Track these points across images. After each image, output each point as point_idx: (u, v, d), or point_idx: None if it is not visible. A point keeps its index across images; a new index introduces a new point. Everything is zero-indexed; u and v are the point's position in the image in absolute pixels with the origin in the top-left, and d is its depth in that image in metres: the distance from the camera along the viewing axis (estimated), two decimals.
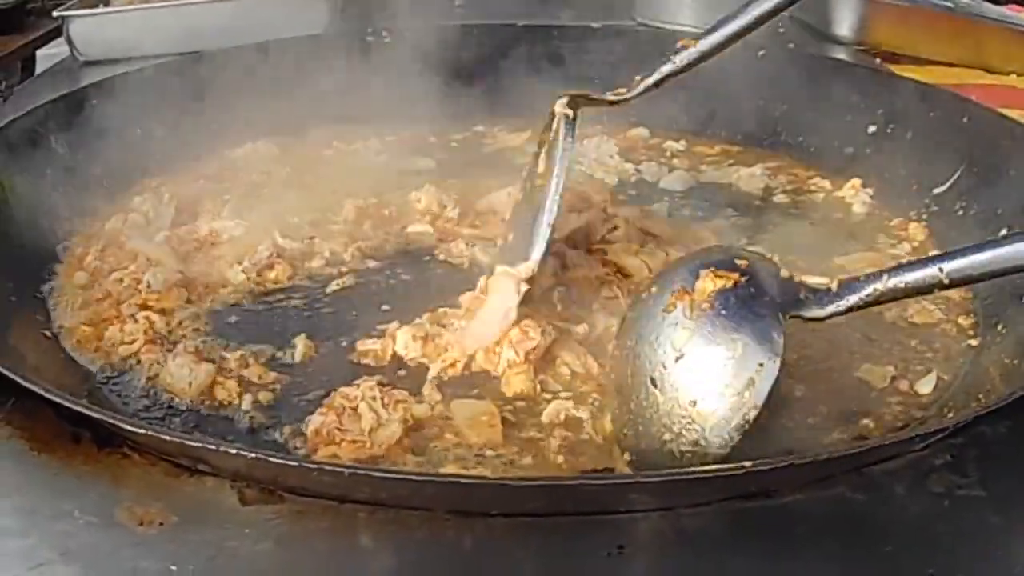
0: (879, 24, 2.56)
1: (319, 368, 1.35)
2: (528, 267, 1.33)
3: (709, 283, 1.11)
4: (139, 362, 1.35)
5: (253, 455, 1.00)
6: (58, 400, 1.09)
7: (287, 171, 1.89)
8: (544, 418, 1.24)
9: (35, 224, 1.57)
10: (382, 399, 1.19)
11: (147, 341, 1.37)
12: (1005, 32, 2.53)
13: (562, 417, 1.24)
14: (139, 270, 1.52)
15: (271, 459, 1.00)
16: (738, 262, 1.14)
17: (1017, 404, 1.12)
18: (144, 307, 1.45)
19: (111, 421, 1.07)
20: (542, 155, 1.41)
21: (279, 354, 1.37)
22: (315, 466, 1.02)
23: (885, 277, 1.12)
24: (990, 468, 1.11)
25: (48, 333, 1.40)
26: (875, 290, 1.12)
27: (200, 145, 1.89)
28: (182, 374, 1.29)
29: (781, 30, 2.70)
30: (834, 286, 1.13)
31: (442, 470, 1.14)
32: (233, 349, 1.37)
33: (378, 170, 1.92)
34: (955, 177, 1.73)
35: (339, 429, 1.17)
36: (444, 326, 1.38)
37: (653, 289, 1.19)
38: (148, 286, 1.49)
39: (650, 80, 1.50)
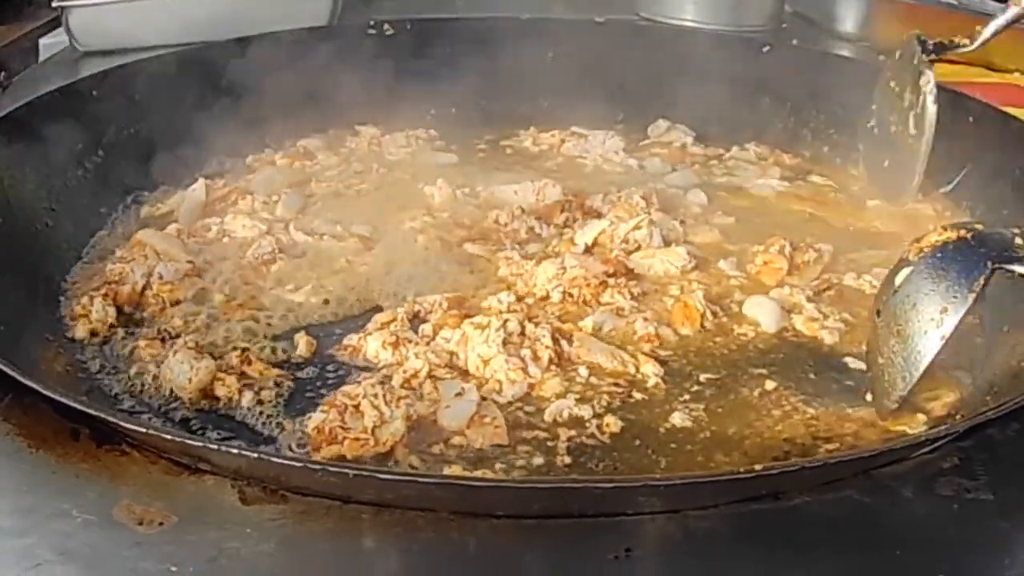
0: (883, 20, 2.55)
1: (322, 364, 1.35)
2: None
3: (936, 235, 1.26)
4: (137, 356, 1.34)
5: (256, 455, 0.99)
6: (55, 397, 1.08)
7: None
8: (547, 416, 1.24)
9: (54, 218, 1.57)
10: (384, 396, 1.18)
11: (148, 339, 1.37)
12: (1008, 30, 2.51)
13: (565, 416, 1.24)
14: (150, 261, 1.52)
15: (274, 459, 0.99)
16: (976, 225, 1.27)
17: None
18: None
19: (111, 420, 1.06)
20: (911, 118, 1.71)
21: (280, 350, 1.37)
22: (319, 467, 1.00)
23: None
24: (998, 471, 1.11)
25: (50, 336, 1.39)
26: None
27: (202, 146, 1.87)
28: (182, 369, 1.27)
29: (784, 26, 2.70)
30: None
31: (446, 471, 1.13)
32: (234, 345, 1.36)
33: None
34: (960, 176, 1.72)
35: (341, 427, 1.16)
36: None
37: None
38: (160, 278, 1.48)
39: (991, 29, 1.74)
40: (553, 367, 1.33)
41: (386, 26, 2.12)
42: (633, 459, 1.18)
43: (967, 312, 1.19)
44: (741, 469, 1.00)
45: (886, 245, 1.66)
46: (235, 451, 1.00)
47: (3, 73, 2.19)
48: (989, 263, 1.20)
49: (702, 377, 1.34)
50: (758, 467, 0.97)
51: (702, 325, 1.44)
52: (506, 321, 1.35)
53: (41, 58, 2.46)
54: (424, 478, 1.05)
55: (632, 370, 1.34)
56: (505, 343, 1.33)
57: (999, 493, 1.08)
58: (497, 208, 1.70)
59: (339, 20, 2.47)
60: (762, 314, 1.47)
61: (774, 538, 1.02)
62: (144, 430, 1.06)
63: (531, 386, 1.29)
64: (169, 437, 1.03)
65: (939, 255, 1.23)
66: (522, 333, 1.35)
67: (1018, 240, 1.24)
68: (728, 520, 1.02)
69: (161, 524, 1.00)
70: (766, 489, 1.04)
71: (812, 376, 1.36)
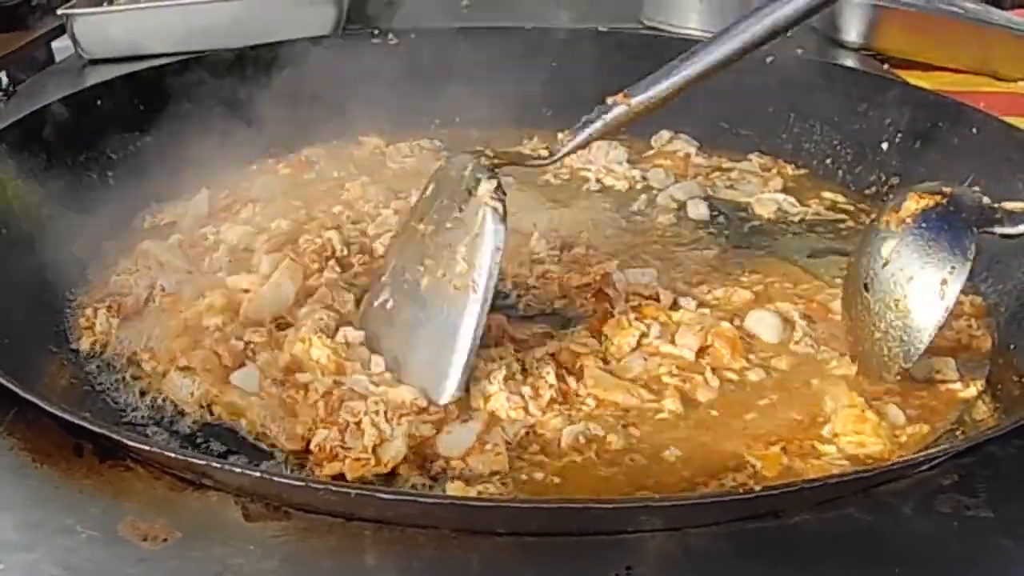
0: (887, 30, 2.55)
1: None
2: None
3: (913, 203, 1.28)
4: (142, 368, 1.35)
5: (258, 474, 0.99)
6: (59, 413, 1.08)
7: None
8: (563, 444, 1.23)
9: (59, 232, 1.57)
10: (386, 413, 1.17)
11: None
12: (1013, 39, 2.52)
13: (581, 440, 1.24)
14: (152, 272, 1.53)
15: (276, 478, 1.00)
16: (944, 188, 1.30)
17: None
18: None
19: (114, 436, 1.06)
20: (461, 248, 1.26)
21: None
22: (321, 487, 1.01)
23: None
24: (999, 489, 1.10)
25: (55, 348, 1.39)
26: None
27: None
28: (183, 383, 1.28)
29: (789, 35, 2.69)
30: None
31: (448, 487, 1.14)
32: None
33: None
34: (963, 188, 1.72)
35: (342, 446, 1.15)
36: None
37: (874, 214, 1.38)
38: (162, 289, 1.49)
39: (576, 140, 1.37)
40: (556, 406, 1.28)
41: (390, 35, 2.13)
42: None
43: (966, 280, 1.22)
44: (740, 489, 1.00)
45: None
46: (238, 470, 1.00)
47: (8, 81, 2.19)
48: (974, 228, 1.24)
49: None
50: (757, 487, 0.98)
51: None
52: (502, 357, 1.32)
53: (44, 66, 2.46)
54: (425, 498, 1.05)
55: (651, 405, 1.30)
56: (506, 379, 1.28)
57: (1000, 510, 1.07)
58: None
59: (344, 29, 2.48)
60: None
61: (774, 556, 1.02)
62: (147, 447, 1.07)
63: (532, 425, 1.25)
64: (172, 455, 1.04)
65: (924, 224, 1.25)
66: (523, 370, 1.32)
67: (985, 199, 1.29)
68: (728, 538, 1.02)
69: (165, 540, 1.00)
70: (766, 508, 1.04)
71: None
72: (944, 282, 1.22)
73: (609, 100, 1.36)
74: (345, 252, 1.59)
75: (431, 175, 1.40)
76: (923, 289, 1.23)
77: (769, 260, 1.68)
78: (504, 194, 1.27)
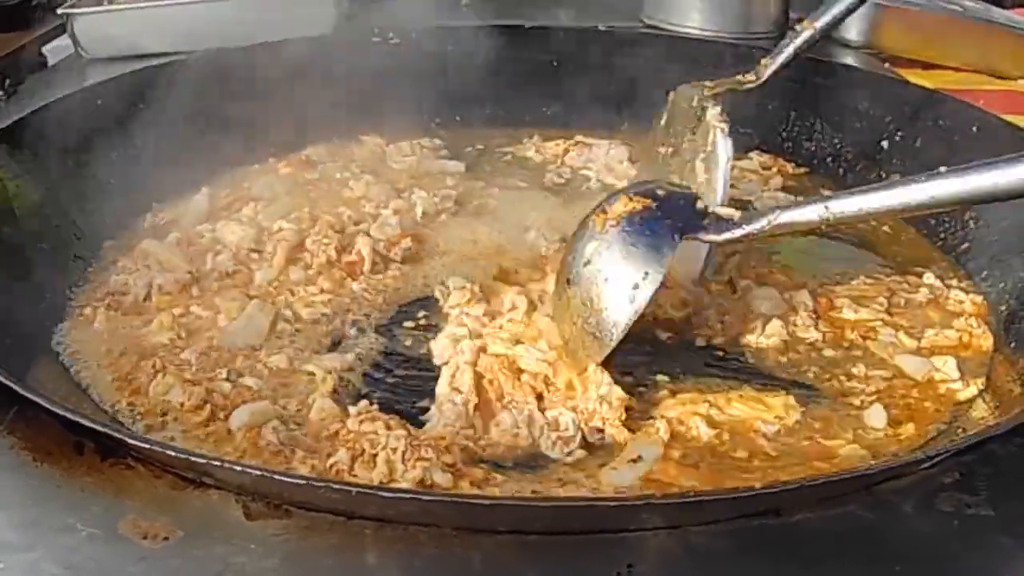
0: (888, 28, 2.55)
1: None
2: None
3: (621, 205, 1.31)
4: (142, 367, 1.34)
5: (259, 472, 1.00)
6: (59, 411, 1.08)
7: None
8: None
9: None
10: (404, 453, 1.15)
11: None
12: (1013, 37, 2.52)
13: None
14: (152, 272, 1.53)
15: (276, 477, 0.99)
16: (658, 191, 1.33)
17: None
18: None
19: (115, 434, 1.06)
20: (698, 162, 1.54)
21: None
22: (322, 484, 1.01)
23: (778, 212, 1.27)
24: (1000, 486, 1.11)
25: (56, 346, 1.39)
26: (768, 222, 1.27)
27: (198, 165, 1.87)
28: (175, 393, 1.28)
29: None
30: (736, 217, 1.30)
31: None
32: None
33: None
34: None
35: (349, 473, 1.14)
36: None
37: (588, 212, 1.37)
38: (160, 289, 1.49)
39: (777, 62, 1.65)
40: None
41: (390, 34, 2.13)
42: None
43: (658, 287, 1.26)
44: (741, 487, 1.00)
45: None
46: (239, 468, 1.00)
47: (8, 80, 2.19)
48: (677, 236, 1.28)
49: None
50: (758, 485, 0.98)
51: None
52: None
53: (44, 66, 2.45)
54: (426, 496, 1.05)
55: None
56: None
57: (1000, 508, 1.07)
58: None
59: (343, 29, 2.47)
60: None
61: (776, 554, 1.02)
62: (148, 445, 1.06)
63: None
64: (173, 453, 1.03)
65: (627, 229, 1.29)
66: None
67: (699, 203, 1.32)
68: (730, 536, 1.02)
69: (166, 539, 1.00)
70: (767, 506, 1.04)
71: None
72: (636, 286, 1.26)
73: (798, 27, 1.64)
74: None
75: (668, 105, 1.68)
76: (617, 292, 1.27)
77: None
78: (728, 114, 1.54)
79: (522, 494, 1.13)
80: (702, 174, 1.53)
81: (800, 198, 1.36)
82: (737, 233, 1.28)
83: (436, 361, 1.37)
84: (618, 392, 1.28)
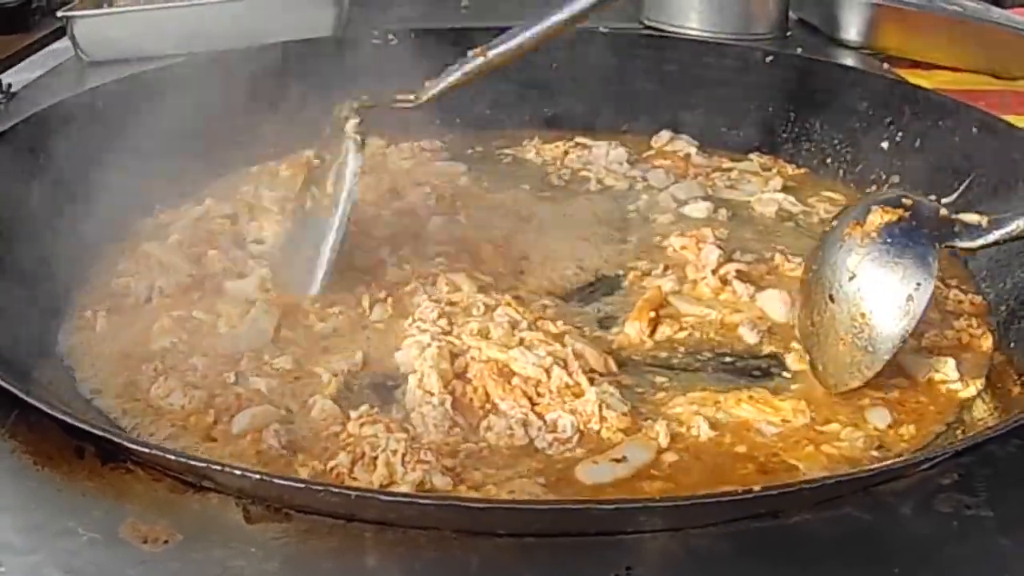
0: (886, 28, 2.56)
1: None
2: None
3: (877, 217, 1.31)
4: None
5: (258, 476, 1.00)
6: (59, 416, 1.08)
7: None
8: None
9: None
10: (404, 455, 1.15)
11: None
12: (1013, 37, 2.52)
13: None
14: (153, 274, 1.53)
15: (276, 480, 1.00)
16: (904, 201, 1.34)
17: None
18: None
19: (116, 439, 1.07)
20: (330, 175, 1.55)
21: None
22: (321, 488, 1.01)
23: None
24: (998, 488, 1.11)
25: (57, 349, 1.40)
26: (1018, 226, 1.28)
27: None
28: (175, 397, 1.28)
29: (789, 34, 2.70)
30: (984, 223, 1.31)
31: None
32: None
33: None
34: (963, 188, 1.73)
35: (349, 475, 1.14)
36: None
37: (834, 223, 1.39)
38: (161, 291, 1.49)
39: (439, 86, 1.57)
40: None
41: (391, 36, 2.13)
42: None
43: (931, 295, 1.27)
44: (740, 489, 1.00)
45: None
46: (238, 472, 1.00)
47: (8, 83, 2.19)
48: (936, 244, 1.29)
49: None
50: (756, 488, 0.98)
51: None
52: None
53: (44, 68, 2.45)
54: (425, 499, 1.05)
55: None
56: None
57: (999, 509, 1.07)
58: None
59: (344, 30, 2.48)
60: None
61: (775, 556, 1.02)
62: (148, 450, 1.07)
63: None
64: (173, 457, 1.04)
65: (889, 240, 1.29)
66: None
67: (943, 212, 1.33)
68: (728, 538, 1.02)
69: (166, 542, 1.00)
70: (766, 508, 1.04)
71: None
72: (910, 298, 1.26)
73: (470, 53, 1.56)
74: None
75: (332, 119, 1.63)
76: (890, 303, 1.27)
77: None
78: (364, 129, 1.55)
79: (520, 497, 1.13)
80: (330, 186, 1.55)
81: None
82: (990, 238, 1.30)
83: (403, 370, 1.35)
84: (618, 394, 1.29)
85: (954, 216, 1.32)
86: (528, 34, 1.55)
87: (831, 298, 1.33)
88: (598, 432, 1.25)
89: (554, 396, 1.28)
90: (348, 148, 1.53)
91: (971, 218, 1.32)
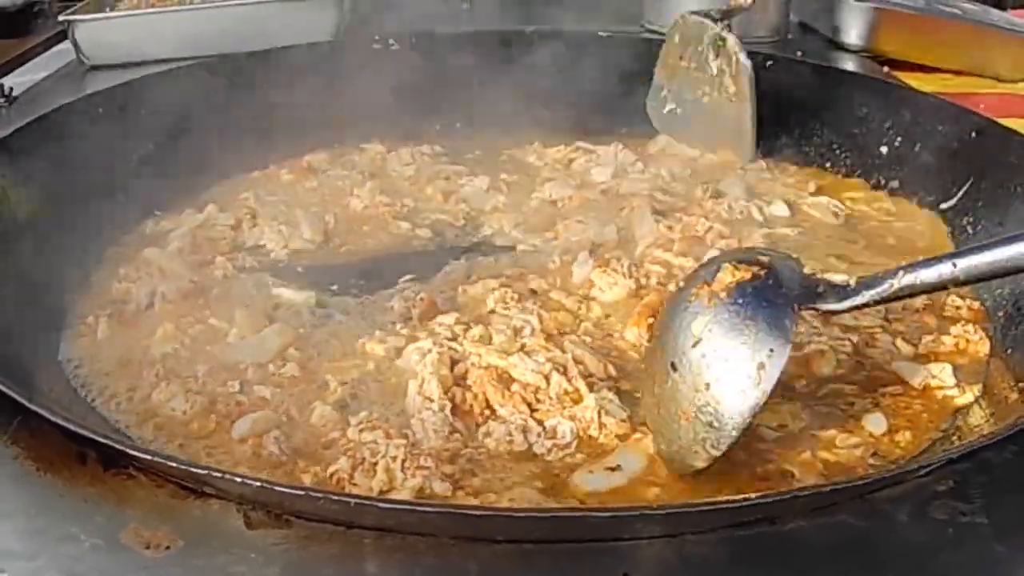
0: (887, 32, 2.57)
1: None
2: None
3: (728, 275, 1.17)
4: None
5: (258, 483, 1.00)
6: (61, 423, 1.09)
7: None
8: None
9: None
10: (404, 461, 1.16)
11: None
12: (1012, 40, 2.53)
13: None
14: (154, 280, 1.53)
15: (276, 488, 1.00)
16: (760, 258, 1.20)
17: None
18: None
19: (117, 446, 1.07)
20: (727, 79, 2.00)
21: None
22: (321, 496, 1.01)
23: (901, 273, 1.16)
24: (994, 495, 1.11)
25: (58, 355, 1.40)
26: (891, 285, 1.16)
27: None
28: (177, 403, 1.28)
29: (790, 36, 2.71)
30: (852, 282, 1.18)
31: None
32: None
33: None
34: (962, 192, 1.73)
35: (350, 481, 1.15)
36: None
37: (682, 284, 1.28)
38: (163, 297, 1.50)
39: None
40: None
41: (391, 41, 2.14)
42: None
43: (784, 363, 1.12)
44: (735, 497, 1.01)
45: None
46: (239, 479, 1.01)
47: (9, 88, 2.19)
48: (795, 306, 1.16)
49: None
50: (752, 495, 0.99)
51: None
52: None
53: (46, 72, 2.46)
54: (424, 507, 1.06)
55: None
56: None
57: (994, 516, 1.08)
58: None
59: (344, 35, 2.48)
60: None
61: (770, 562, 1.02)
62: (149, 456, 1.07)
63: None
64: (174, 463, 1.04)
65: (740, 301, 1.15)
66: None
67: (805, 270, 1.22)
68: (724, 544, 1.03)
69: (168, 548, 1.01)
70: (761, 515, 1.05)
71: None
72: (761, 366, 1.11)
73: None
74: None
75: (672, 28, 2.12)
76: (739, 372, 1.12)
77: None
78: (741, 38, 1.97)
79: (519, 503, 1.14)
80: (731, 86, 1.97)
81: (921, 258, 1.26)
82: (858, 300, 1.17)
83: (406, 376, 1.34)
84: (617, 400, 1.29)
85: (818, 276, 1.23)
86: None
87: (673, 367, 1.17)
88: (597, 438, 1.25)
89: (553, 402, 1.28)
90: (741, 59, 1.97)
91: (838, 278, 1.20)
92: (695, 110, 2.08)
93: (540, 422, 1.26)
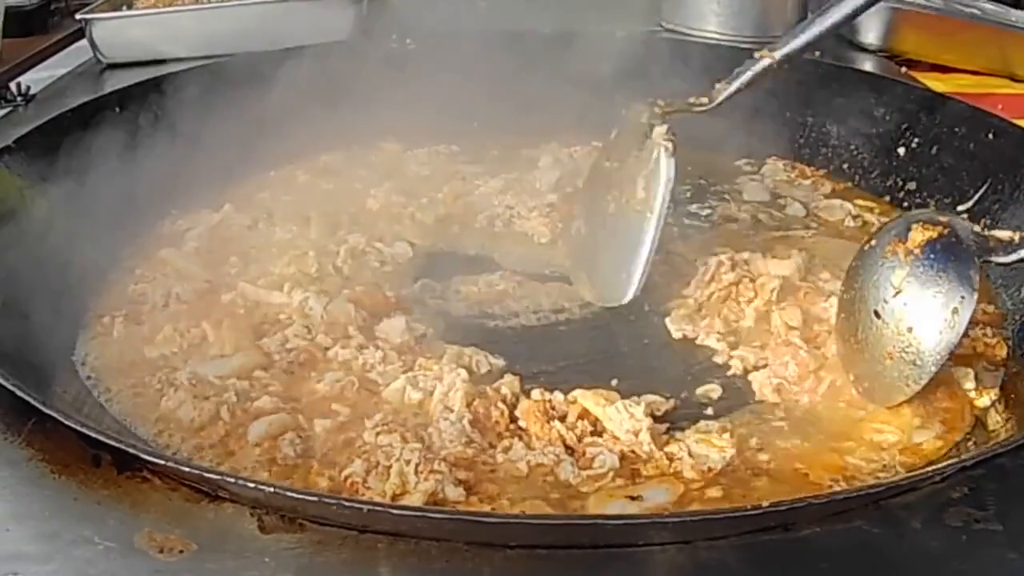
0: (904, 32, 2.55)
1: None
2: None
3: (919, 234, 1.34)
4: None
5: (272, 489, 1.00)
6: (75, 427, 1.09)
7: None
8: None
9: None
10: (417, 465, 1.16)
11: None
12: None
13: None
14: (170, 281, 1.54)
15: (289, 493, 1.01)
16: (940, 218, 1.37)
17: None
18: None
19: (131, 450, 1.07)
20: (639, 179, 1.56)
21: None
22: (334, 501, 1.01)
23: None
24: (1008, 502, 1.11)
25: (74, 356, 1.40)
26: None
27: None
28: (185, 410, 1.28)
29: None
30: (1016, 238, 1.34)
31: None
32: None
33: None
34: (979, 194, 1.73)
35: (363, 485, 1.15)
36: None
37: (872, 242, 1.42)
38: (178, 298, 1.50)
39: (731, 88, 1.64)
40: None
41: (408, 40, 2.13)
42: None
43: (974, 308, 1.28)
44: (748, 505, 1.01)
45: None
46: (252, 484, 1.01)
47: (27, 86, 2.20)
48: (976, 259, 1.31)
49: None
50: (765, 503, 0.98)
51: None
52: None
53: (63, 70, 2.47)
54: (437, 513, 1.05)
55: None
56: None
57: (1008, 523, 1.08)
58: None
59: (361, 34, 2.48)
60: None
61: (784, 569, 1.02)
62: (163, 460, 1.08)
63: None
64: (188, 468, 1.05)
65: (932, 256, 1.32)
66: None
67: (976, 228, 1.36)
68: (738, 551, 1.03)
69: (181, 552, 1.01)
70: (775, 521, 1.05)
71: None
72: (955, 311, 1.27)
73: (756, 55, 1.64)
74: None
75: (623, 121, 1.69)
76: (936, 317, 1.28)
77: None
78: (674, 135, 1.56)
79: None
80: (641, 191, 1.55)
81: None
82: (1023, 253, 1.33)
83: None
84: (652, 428, 1.28)
85: (987, 233, 1.35)
86: (809, 35, 1.64)
87: (876, 314, 1.35)
88: (639, 469, 1.23)
89: (607, 439, 1.27)
90: (660, 155, 1.54)
91: (1003, 234, 1.35)
92: (595, 225, 1.67)
93: (572, 451, 1.25)
